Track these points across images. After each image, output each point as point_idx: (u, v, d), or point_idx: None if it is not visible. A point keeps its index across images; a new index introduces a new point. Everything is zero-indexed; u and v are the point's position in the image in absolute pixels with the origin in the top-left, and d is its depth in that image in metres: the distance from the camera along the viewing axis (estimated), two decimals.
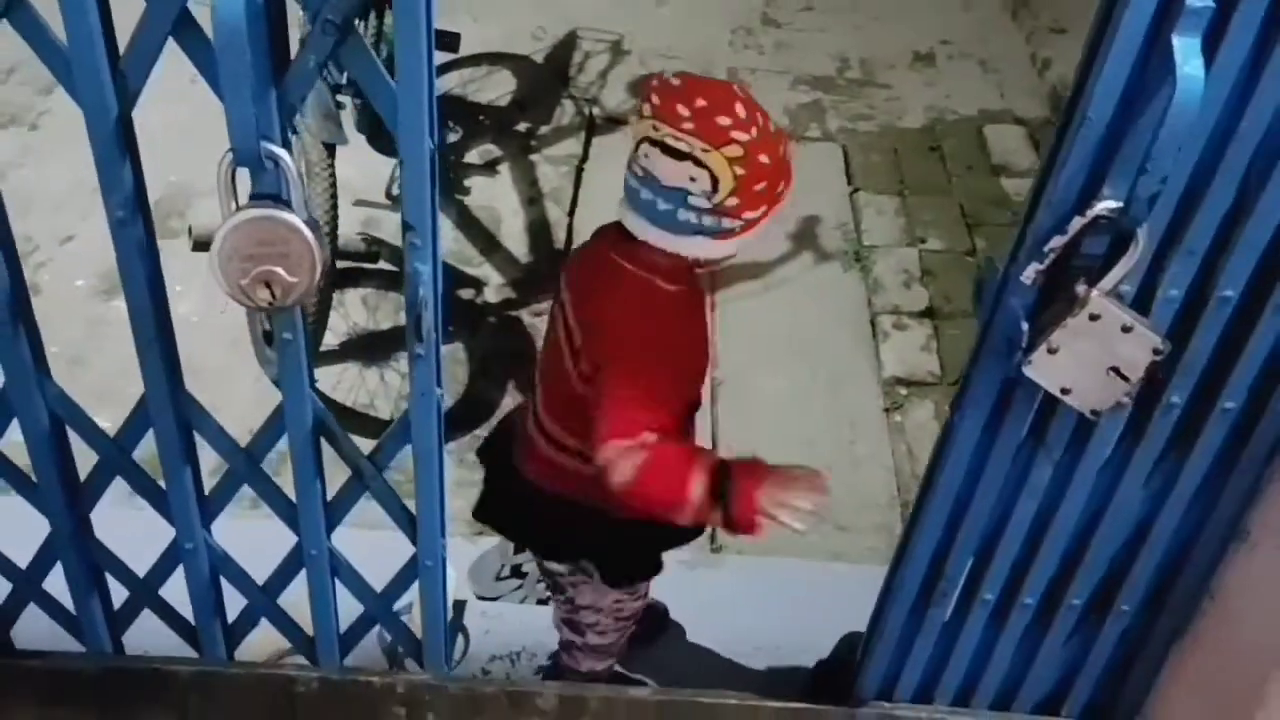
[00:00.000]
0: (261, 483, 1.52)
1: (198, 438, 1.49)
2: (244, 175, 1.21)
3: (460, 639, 2.36)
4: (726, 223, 1.44)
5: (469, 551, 2.74)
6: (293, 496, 1.53)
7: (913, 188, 4.07)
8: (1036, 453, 1.47)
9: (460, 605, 2.41)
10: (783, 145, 1.47)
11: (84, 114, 1.18)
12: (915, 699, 1.75)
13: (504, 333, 3.38)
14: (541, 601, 2.64)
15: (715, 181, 1.40)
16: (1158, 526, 1.53)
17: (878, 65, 4.68)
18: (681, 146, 1.39)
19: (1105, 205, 1.22)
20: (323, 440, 1.48)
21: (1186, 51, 1.11)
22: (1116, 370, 1.30)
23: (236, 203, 1.20)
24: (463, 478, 2.97)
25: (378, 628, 1.72)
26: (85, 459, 1.55)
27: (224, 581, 1.66)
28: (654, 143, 1.41)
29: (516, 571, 2.71)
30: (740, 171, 1.40)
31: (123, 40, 1.18)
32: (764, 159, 1.42)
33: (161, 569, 1.62)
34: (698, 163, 1.39)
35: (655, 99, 1.42)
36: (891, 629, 1.67)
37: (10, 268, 1.33)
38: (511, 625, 2.42)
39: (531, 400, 1.69)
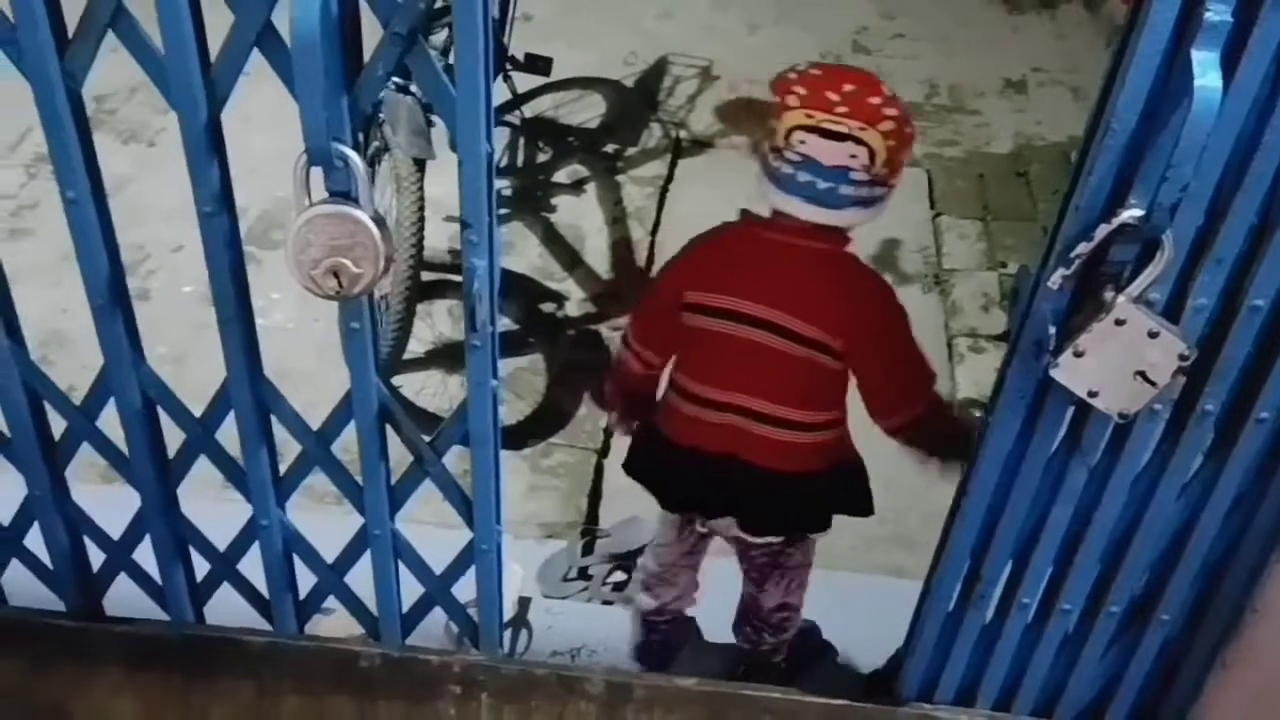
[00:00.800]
0: (331, 465, 1.63)
1: (275, 422, 1.61)
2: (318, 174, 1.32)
3: (524, 633, 2.45)
4: (878, 190, 1.64)
5: (539, 553, 2.84)
6: (359, 480, 1.63)
7: (996, 212, 4.07)
8: (1072, 457, 1.49)
9: (525, 601, 2.51)
10: (911, 115, 1.67)
11: (178, 116, 1.31)
12: (956, 701, 1.77)
13: (582, 346, 3.49)
14: (606, 602, 2.72)
15: (873, 155, 1.58)
16: (1196, 536, 1.54)
17: (967, 92, 4.70)
18: (840, 129, 1.56)
19: (1130, 213, 1.26)
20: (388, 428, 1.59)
21: (1205, 65, 1.15)
22: (1143, 375, 1.33)
23: (310, 198, 1.31)
24: (537, 482, 3.08)
25: (445, 618, 1.80)
26: (174, 440, 1.68)
27: (296, 561, 1.77)
28: (809, 129, 1.56)
29: (583, 574, 2.79)
30: (892, 143, 1.60)
31: (214, 49, 1.31)
32: (909, 130, 1.64)
33: (240, 544, 1.74)
34: (857, 140, 1.57)
35: (802, 90, 1.58)
36: (930, 630, 1.70)
37: (111, 258, 1.46)
38: (574, 623, 2.50)
39: (736, 410, 1.80)
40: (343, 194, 1.32)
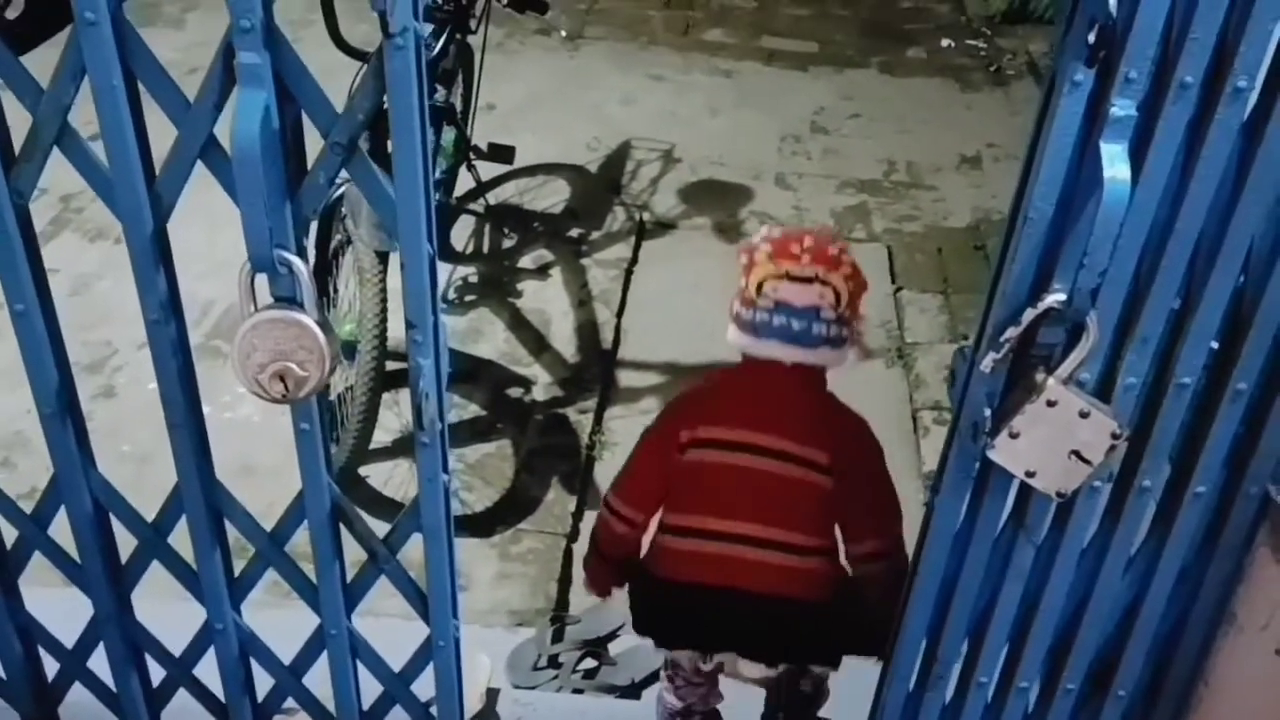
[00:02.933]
0: (285, 565, 1.63)
1: (229, 525, 1.61)
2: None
3: None
4: (845, 331, 1.78)
5: (509, 641, 2.82)
6: (314, 579, 1.63)
7: (956, 286, 4.14)
8: (1018, 535, 1.51)
9: (494, 693, 2.48)
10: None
11: (123, 228, 1.33)
12: None
13: (550, 431, 3.50)
14: (577, 690, 2.70)
15: (838, 295, 1.73)
16: (1145, 611, 1.55)
17: (924, 169, 4.80)
18: (808, 273, 1.72)
19: (1053, 298, 1.29)
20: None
21: (1113, 156, 1.19)
22: (1078, 454, 1.35)
23: (255, 305, 1.34)
24: (505, 570, 3.07)
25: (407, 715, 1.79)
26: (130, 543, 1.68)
27: (255, 662, 1.76)
28: (780, 277, 1.73)
29: (553, 662, 2.77)
30: (851, 285, 1.76)
31: (159, 159, 1.34)
32: (862, 279, 1.79)
33: (195, 649, 1.73)
34: (823, 282, 1.72)
35: (768, 247, 1.75)
36: (892, 713, 1.70)
37: (60, 367, 1.47)
38: (543, 713, 2.48)
39: (734, 539, 1.85)
40: (288, 299, 1.34)
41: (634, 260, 4.22)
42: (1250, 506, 1.45)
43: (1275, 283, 1.30)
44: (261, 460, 3.08)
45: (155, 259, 1.35)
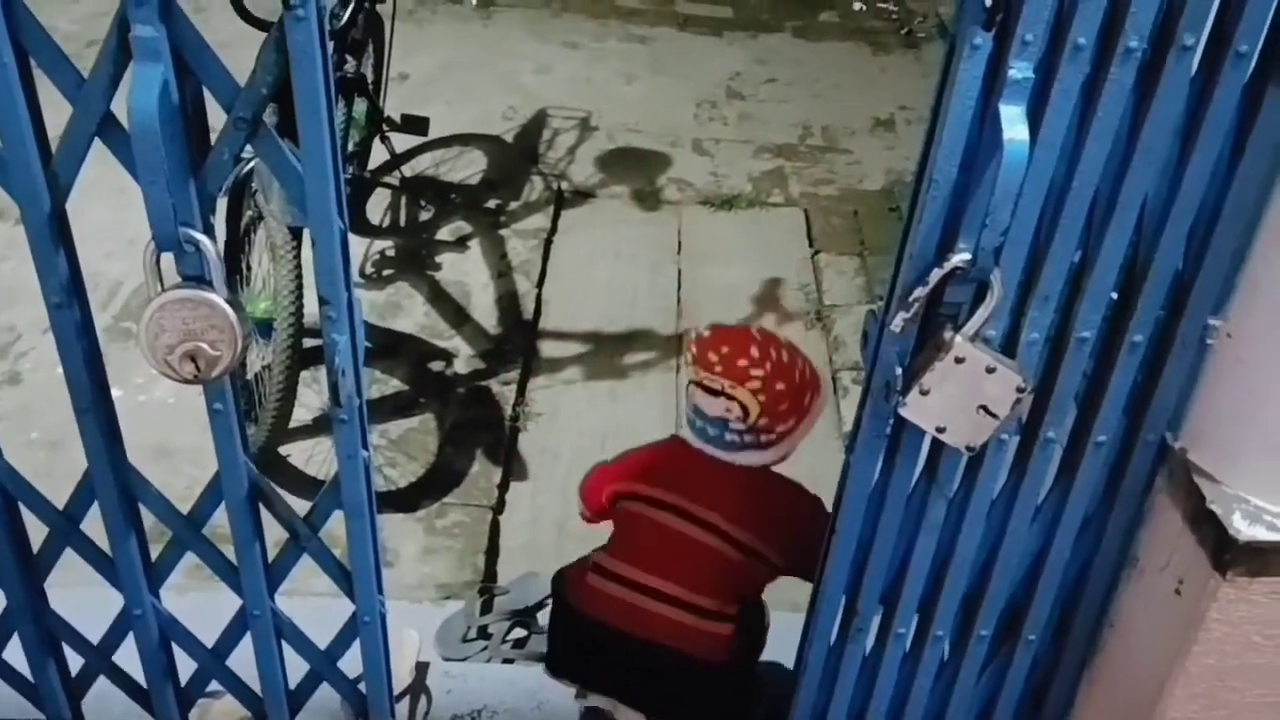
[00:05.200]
0: (203, 548, 1.62)
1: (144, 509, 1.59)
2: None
3: (423, 700, 2.42)
4: (764, 437, 1.80)
5: (437, 615, 2.82)
6: (235, 560, 1.62)
7: (872, 248, 4.20)
8: (930, 490, 1.55)
9: (423, 667, 2.48)
10: (798, 368, 1.83)
11: (20, 209, 1.30)
12: None
13: (473, 403, 3.49)
14: (506, 661, 2.71)
15: (745, 410, 1.75)
16: (1052, 558, 1.61)
17: (839, 132, 4.85)
18: (715, 386, 1.75)
19: (958, 257, 1.32)
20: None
21: (1011, 118, 1.22)
22: (985, 408, 1.39)
23: (161, 285, 1.31)
24: (432, 544, 3.07)
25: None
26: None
27: (176, 649, 1.74)
28: (696, 384, 1.78)
29: (483, 633, 2.78)
30: (763, 399, 1.76)
31: (54, 139, 1.31)
32: (780, 386, 1.78)
33: (114, 636, 1.70)
34: (729, 396, 1.74)
35: (694, 350, 1.78)
36: (815, 666, 1.74)
37: None
38: (473, 685, 2.48)
39: (652, 593, 1.90)
40: (195, 278, 1.32)
41: (553, 230, 4.20)
42: (1149, 453, 1.51)
43: (1168, 238, 1.34)
44: (178, 442, 3.03)
45: (54, 240, 1.32)
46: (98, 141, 1.27)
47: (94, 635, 1.71)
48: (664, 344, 3.77)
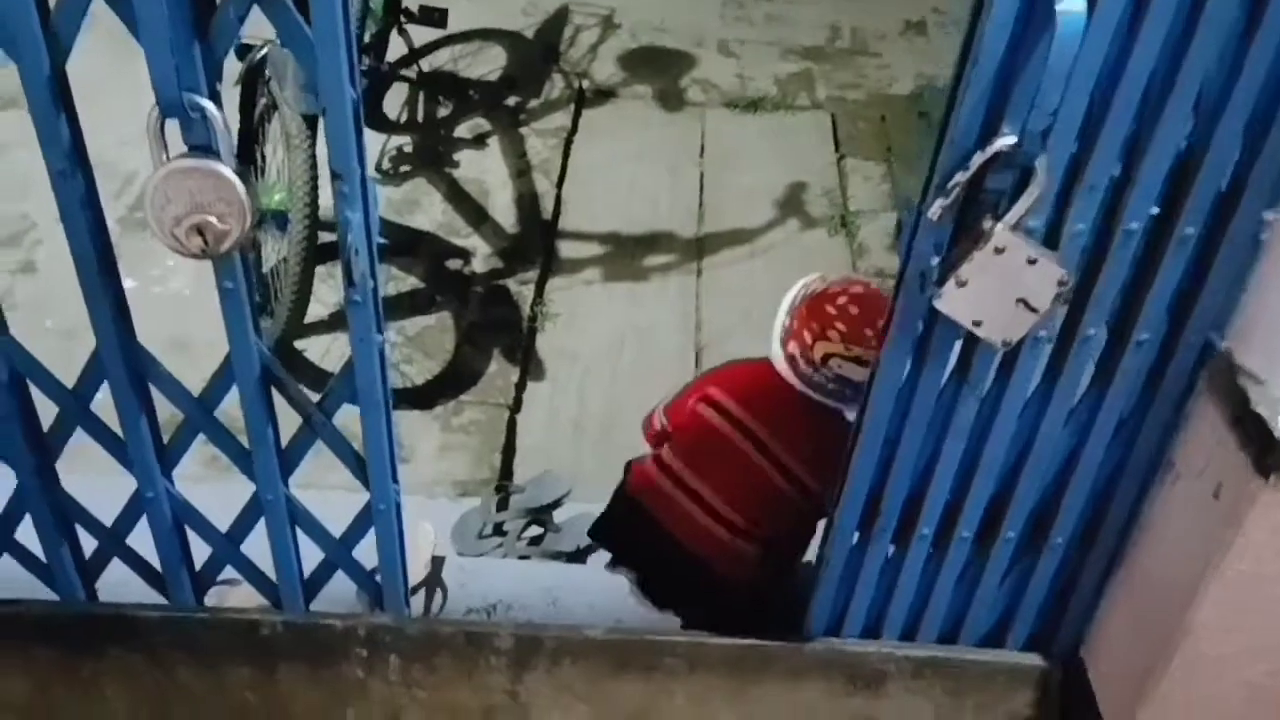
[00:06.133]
0: (215, 431, 1.59)
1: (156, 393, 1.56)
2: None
3: (439, 593, 2.42)
4: None
5: (454, 511, 2.80)
6: (247, 445, 1.59)
7: (899, 154, 4.09)
8: (961, 389, 1.51)
9: (439, 561, 2.47)
10: None
11: (19, 71, 1.24)
12: (863, 634, 1.80)
13: (491, 302, 3.44)
14: (522, 558, 2.70)
15: None
16: (1084, 460, 1.56)
17: (869, 35, 4.70)
18: (871, 356, 1.70)
19: (1002, 141, 1.26)
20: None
21: None
22: (1024, 302, 1.34)
23: (167, 153, 1.26)
24: (449, 441, 3.05)
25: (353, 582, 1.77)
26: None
27: (191, 533, 1.72)
28: (846, 358, 1.77)
29: (498, 530, 2.77)
30: None
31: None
32: None
33: (127, 518, 1.68)
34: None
35: (842, 327, 1.77)
36: (835, 565, 1.71)
37: None
38: (488, 579, 2.47)
39: (697, 509, 1.92)
40: (202, 147, 1.27)
41: (574, 129, 4.10)
42: (1191, 355, 1.45)
43: (1226, 124, 1.27)
44: (195, 334, 3.00)
45: (55, 103, 1.26)
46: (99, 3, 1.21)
47: (108, 519, 1.69)
48: (684, 247, 3.70)
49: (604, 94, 4.27)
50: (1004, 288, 1.33)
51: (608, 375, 3.28)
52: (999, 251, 1.31)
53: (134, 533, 1.72)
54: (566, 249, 3.66)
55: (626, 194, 3.86)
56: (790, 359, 1.84)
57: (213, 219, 1.27)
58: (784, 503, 1.89)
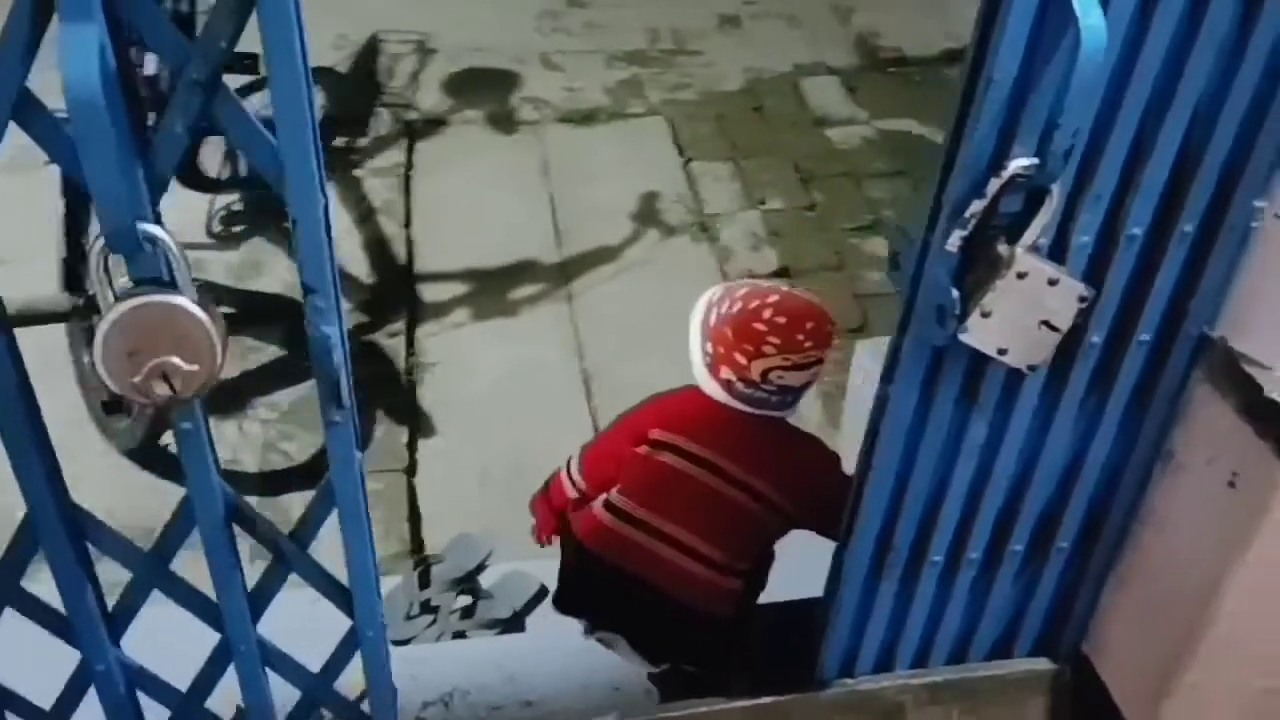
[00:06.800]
0: (173, 586, 1.39)
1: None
2: None
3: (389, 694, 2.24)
4: (804, 391, 1.85)
5: None
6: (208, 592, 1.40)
7: (743, 151, 4.09)
8: (970, 414, 1.47)
9: None
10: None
11: None
12: (876, 670, 1.75)
13: (362, 361, 3.23)
14: (458, 634, 2.54)
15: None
16: (1088, 462, 1.56)
17: (687, 34, 4.69)
18: (810, 360, 1.77)
19: (1020, 163, 1.21)
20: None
21: (1086, 4, 1.11)
22: (1047, 323, 1.31)
23: (114, 293, 1.07)
24: None
25: None
26: None
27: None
28: (785, 368, 1.75)
29: (427, 607, 2.60)
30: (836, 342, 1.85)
31: None
32: (830, 328, 1.83)
33: (71, 696, 1.46)
34: (820, 361, 1.79)
35: (776, 339, 1.75)
36: (847, 608, 1.66)
37: None
38: (434, 667, 2.31)
39: (665, 539, 1.85)
40: (154, 280, 1.08)
41: (410, 165, 3.92)
42: (1187, 348, 1.46)
43: (1223, 123, 1.27)
44: None
45: None
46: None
47: (47, 698, 1.46)
48: (549, 273, 3.59)
49: (434, 123, 4.10)
50: (1027, 312, 1.30)
51: (500, 419, 3.14)
52: (1021, 276, 1.27)
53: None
54: (429, 292, 3.49)
55: (479, 226, 3.71)
56: (726, 384, 1.79)
57: (177, 360, 1.09)
58: (757, 524, 1.84)
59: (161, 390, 1.11)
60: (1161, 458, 1.56)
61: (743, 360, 1.76)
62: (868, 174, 3.99)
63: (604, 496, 1.89)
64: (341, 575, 1.45)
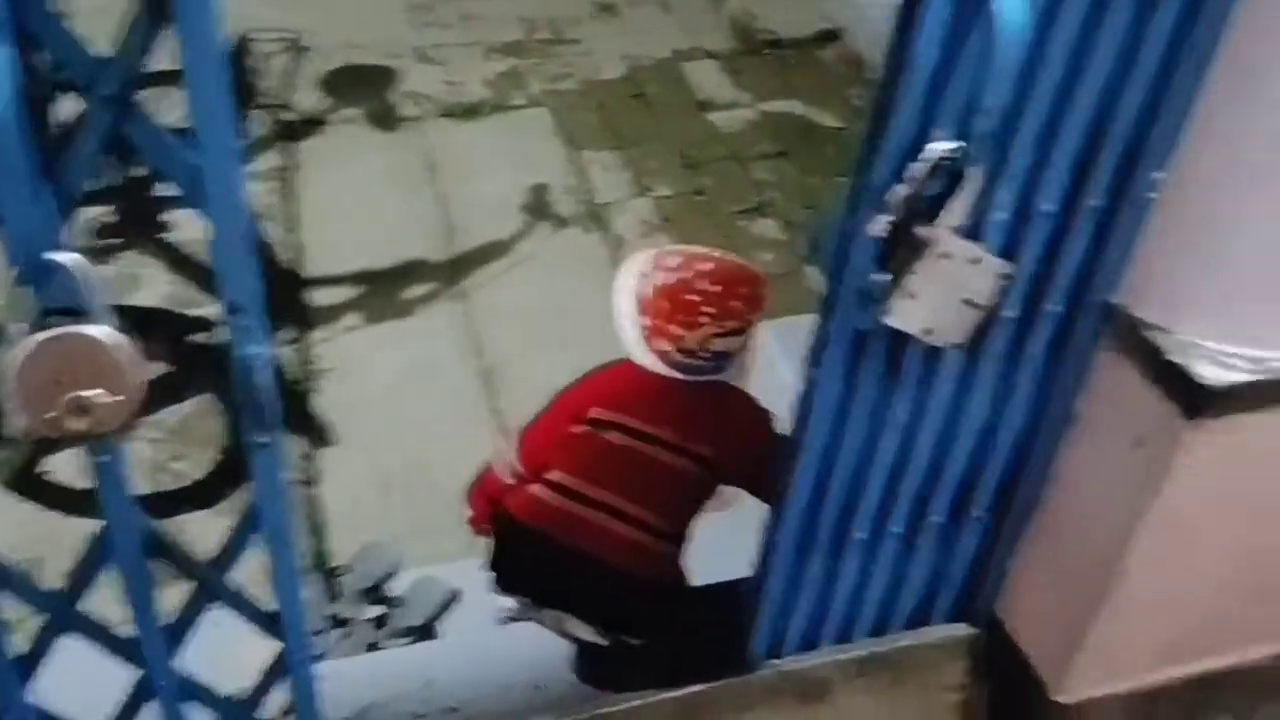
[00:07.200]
0: (84, 626, 1.32)
1: None
2: None
3: None
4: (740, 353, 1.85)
5: None
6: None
7: (629, 139, 4.08)
8: (893, 393, 1.50)
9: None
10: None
11: None
12: (802, 648, 1.78)
13: None
14: (372, 645, 2.49)
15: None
16: (1002, 431, 1.60)
17: (563, 23, 4.64)
18: (744, 325, 1.77)
19: (943, 147, 1.24)
20: None
21: None
22: (970, 301, 1.34)
23: (28, 324, 1.01)
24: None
25: None
26: None
27: None
28: (722, 335, 1.75)
29: (338, 620, 2.54)
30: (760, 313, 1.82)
31: None
32: (764, 291, 1.82)
33: None
34: (752, 323, 1.79)
35: (711, 309, 1.74)
36: (775, 590, 1.68)
37: None
38: (351, 680, 2.26)
39: (604, 508, 1.84)
40: (66, 310, 1.03)
41: (291, 167, 3.80)
42: (1093, 317, 1.51)
43: (1126, 102, 1.31)
44: None
45: None
46: None
47: None
48: (441, 271, 3.53)
49: (312, 124, 3.98)
50: (950, 292, 1.32)
51: (400, 422, 3.07)
52: (944, 258, 1.29)
53: None
54: (319, 297, 3.39)
55: (366, 227, 3.63)
56: (662, 355, 1.78)
57: (96, 393, 1.04)
58: (698, 487, 1.86)
59: (78, 425, 1.05)
60: (1071, 423, 1.62)
61: (679, 332, 1.75)
62: (752, 157, 4.02)
63: (545, 476, 1.87)
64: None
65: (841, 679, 1.82)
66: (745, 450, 1.83)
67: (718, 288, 1.76)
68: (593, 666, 1.94)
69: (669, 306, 1.75)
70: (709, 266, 1.78)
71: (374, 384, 3.16)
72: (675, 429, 1.81)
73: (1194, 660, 1.79)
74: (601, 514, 1.83)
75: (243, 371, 1.15)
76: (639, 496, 1.83)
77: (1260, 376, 1.42)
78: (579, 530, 1.84)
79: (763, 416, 1.88)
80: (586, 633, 1.93)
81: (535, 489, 1.87)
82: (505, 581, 1.98)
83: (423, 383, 3.19)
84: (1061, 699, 1.76)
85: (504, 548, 1.93)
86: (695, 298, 1.75)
